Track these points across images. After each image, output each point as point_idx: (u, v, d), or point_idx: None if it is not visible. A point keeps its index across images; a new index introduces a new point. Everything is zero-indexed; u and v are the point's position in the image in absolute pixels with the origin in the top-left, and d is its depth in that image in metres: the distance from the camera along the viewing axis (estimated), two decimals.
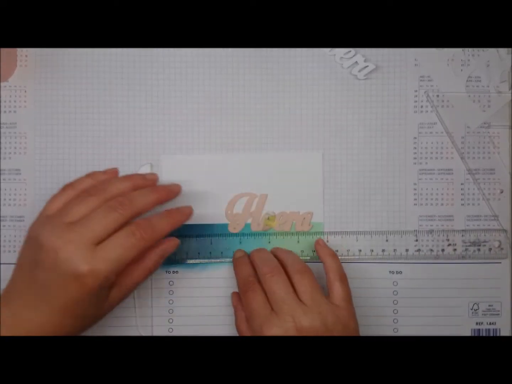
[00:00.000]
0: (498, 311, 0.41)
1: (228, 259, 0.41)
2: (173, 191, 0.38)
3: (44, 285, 0.32)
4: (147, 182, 0.37)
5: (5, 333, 0.31)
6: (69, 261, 0.31)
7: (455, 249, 0.41)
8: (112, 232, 0.33)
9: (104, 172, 0.39)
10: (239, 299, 0.38)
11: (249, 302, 0.36)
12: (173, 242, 0.36)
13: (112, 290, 0.34)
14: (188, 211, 0.37)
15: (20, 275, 0.34)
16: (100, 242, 0.32)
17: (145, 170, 0.41)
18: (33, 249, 0.33)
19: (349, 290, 0.37)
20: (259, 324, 0.35)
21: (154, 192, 0.36)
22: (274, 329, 0.34)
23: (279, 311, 0.35)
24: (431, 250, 0.41)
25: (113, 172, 0.39)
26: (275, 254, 0.39)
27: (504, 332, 0.41)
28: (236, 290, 0.39)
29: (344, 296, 0.36)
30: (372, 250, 0.41)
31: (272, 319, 0.34)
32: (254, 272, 0.38)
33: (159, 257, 0.36)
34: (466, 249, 0.41)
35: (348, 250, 0.41)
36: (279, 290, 0.35)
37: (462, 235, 0.41)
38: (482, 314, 0.41)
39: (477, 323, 0.41)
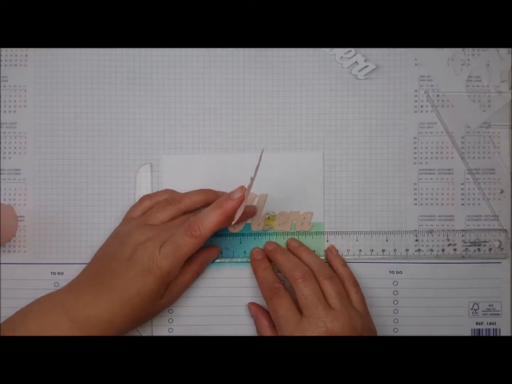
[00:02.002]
0: (498, 311, 0.41)
1: (228, 259, 0.41)
2: (235, 209, 0.36)
3: (114, 275, 0.35)
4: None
5: (65, 313, 0.33)
6: (144, 256, 0.34)
7: (455, 249, 0.41)
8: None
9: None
10: (258, 307, 0.39)
11: (276, 309, 0.36)
12: (216, 249, 0.40)
13: (166, 289, 0.36)
14: (238, 202, 0.35)
15: (93, 265, 0.37)
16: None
17: (145, 170, 0.41)
18: (115, 244, 0.37)
19: (363, 296, 0.38)
20: (290, 330, 0.35)
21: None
22: (308, 334, 0.34)
23: (310, 316, 0.35)
24: (431, 250, 0.41)
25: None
26: (299, 257, 0.39)
27: (504, 332, 0.41)
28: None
29: (362, 301, 0.38)
30: (372, 250, 0.41)
31: (303, 324, 0.35)
32: (278, 278, 0.38)
33: (205, 261, 0.39)
34: (466, 249, 0.41)
35: (348, 250, 0.41)
36: (311, 296, 0.35)
37: (462, 235, 0.41)
38: (482, 314, 0.41)
39: (477, 323, 0.41)
